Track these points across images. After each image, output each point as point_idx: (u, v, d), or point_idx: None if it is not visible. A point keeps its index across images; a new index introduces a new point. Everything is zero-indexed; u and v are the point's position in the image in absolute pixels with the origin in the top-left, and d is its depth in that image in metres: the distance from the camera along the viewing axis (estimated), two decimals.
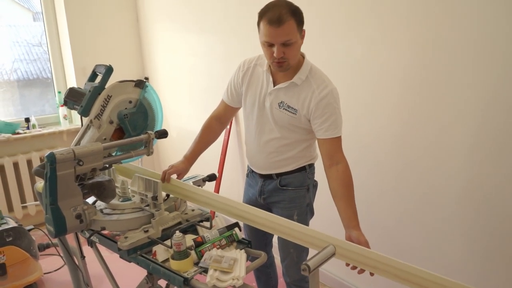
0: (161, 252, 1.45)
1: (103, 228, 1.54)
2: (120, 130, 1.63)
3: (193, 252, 1.41)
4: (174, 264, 1.36)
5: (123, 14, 4.04)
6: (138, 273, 1.61)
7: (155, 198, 1.57)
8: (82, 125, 1.62)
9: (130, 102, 1.63)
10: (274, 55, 1.56)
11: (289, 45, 1.55)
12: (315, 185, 1.90)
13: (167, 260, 1.42)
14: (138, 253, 1.47)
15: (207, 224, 1.62)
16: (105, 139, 1.58)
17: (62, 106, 3.79)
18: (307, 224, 1.86)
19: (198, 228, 1.62)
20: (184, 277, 1.30)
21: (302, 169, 1.81)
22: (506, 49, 1.63)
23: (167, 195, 1.74)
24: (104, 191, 1.56)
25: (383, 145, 2.16)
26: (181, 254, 1.36)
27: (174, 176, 1.76)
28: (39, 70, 4.02)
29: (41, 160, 3.54)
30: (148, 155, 1.72)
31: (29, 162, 3.54)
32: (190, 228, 1.62)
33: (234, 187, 3.35)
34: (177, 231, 1.37)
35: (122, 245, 1.45)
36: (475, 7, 1.69)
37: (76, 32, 3.75)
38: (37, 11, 4.02)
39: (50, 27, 3.82)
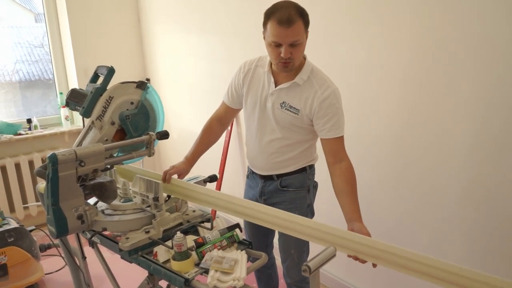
0: (162, 253, 1.46)
1: (105, 229, 1.55)
2: (122, 131, 1.64)
3: (194, 253, 1.41)
4: (175, 265, 1.36)
5: (124, 15, 4.05)
6: (139, 273, 1.62)
7: (156, 199, 1.57)
8: (84, 126, 1.63)
9: (132, 103, 1.63)
10: (282, 55, 1.56)
11: (296, 45, 1.56)
12: (315, 186, 1.90)
13: (168, 261, 1.42)
14: (139, 254, 1.47)
15: (208, 225, 1.63)
16: (106, 140, 1.58)
17: (63, 107, 3.80)
18: None
19: (199, 229, 1.62)
20: (185, 278, 1.30)
21: (302, 170, 1.82)
22: (506, 49, 1.63)
23: (168, 196, 1.75)
24: (105, 192, 1.56)
25: (384, 145, 2.17)
26: (182, 255, 1.36)
27: (175, 177, 1.76)
28: (41, 71, 4.03)
29: (43, 161, 3.55)
30: (150, 156, 1.73)
31: (30, 163, 3.55)
32: (191, 229, 1.63)
33: (235, 188, 3.35)
34: (178, 232, 1.38)
35: (123, 245, 1.45)
36: (475, 8, 1.69)
37: (78, 33, 3.76)
38: (39, 12, 4.03)
39: (52, 28, 3.83)
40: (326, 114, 1.64)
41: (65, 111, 3.81)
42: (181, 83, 3.80)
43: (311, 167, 1.86)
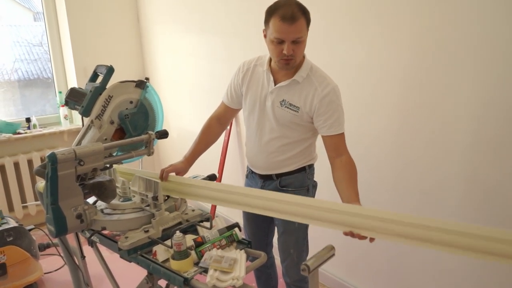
0: (161, 252, 1.46)
1: (104, 228, 1.54)
2: (121, 130, 1.64)
3: (193, 252, 1.41)
4: (174, 264, 1.36)
5: (124, 14, 4.05)
6: (138, 273, 1.61)
7: (155, 198, 1.57)
8: (83, 125, 1.63)
9: (131, 102, 1.63)
10: (284, 51, 1.57)
11: (298, 42, 1.57)
12: (314, 185, 1.90)
13: (167, 260, 1.42)
14: (138, 253, 1.47)
15: (207, 224, 1.62)
16: (106, 139, 1.58)
17: (63, 106, 3.80)
18: (306, 226, 1.86)
19: (198, 228, 1.62)
20: (184, 277, 1.30)
21: (302, 169, 1.82)
22: (506, 49, 1.63)
23: (167, 196, 1.75)
24: (104, 191, 1.56)
25: (384, 145, 2.17)
26: (181, 254, 1.36)
27: (172, 174, 1.76)
28: (40, 70, 4.02)
29: (42, 160, 3.55)
30: (149, 155, 1.73)
31: (29, 162, 3.55)
32: (190, 228, 1.62)
33: None
34: (178, 231, 1.38)
35: (123, 245, 1.45)
36: (475, 8, 1.69)
37: (77, 32, 3.76)
38: (38, 11, 4.03)
39: (51, 27, 3.83)
40: (327, 111, 1.64)
41: (64, 110, 3.80)
42: (181, 83, 3.80)
43: (311, 166, 1.86)
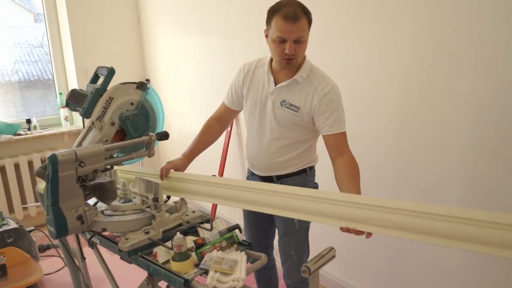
0: (161, 253, 1.46)
1: (104, 230, 1.54)
2: (122, 132, 1.64)
3: (193, 254, 1.41)
4: (174, 266, 1.36)
5: (124, 15, 4.06)
6: (139, 274, 1.61)
7: (156, 199, 1.57)
8: (83, 126, 1.63)
9: (132, 104, 1.63)
10: (286, 51, 1.58)
11: (300, 42, 1.58)
12: (315, 187, 1.90)
13: (167, 261, 1.42)
14: (138, 255, 1.47)
15: (207, 225, 1.62)
16: (106, 140, 1.59)
17: (63, 107, 3.80)
18: (307, 228, 1.86)
19: (199, 229, 1.62)
20: (184, 279, 1.30)
21: (302, 171, 1.82)
22: (506, 49, 1.63)
23: (168, 197, 1.75)
24: (105, 192, 1.56)
25: (383, 145, 2.17)
26: (182, 256, 1.36)
27: (172, 171, 1.77)
28: (40, 71, 4.03)
29: (42, 161, 3.55)
30: (149, 156, 1.73)
31: (30, 163, 3.55)
32: (190, 230, 1.63)
33: None
34: (178, 233, 1.38)
35: (123, 246, 1.45)
36: (475, 8, 1.70)
37: (78, 34, 3.76)
38: (38, 12, 4.04)
39: (52, 29, 3.83)
40: (327, 110, 1.64)
41: (64, 112, 3.81)
42: (181, 84, 3.80)
43: (311, 168, 1.86)
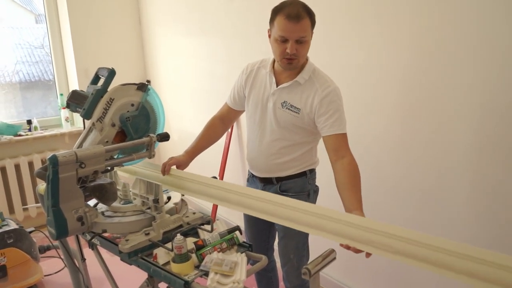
0: (162, 255, 1.46)
1: (104, 231, 1.55)
2: (122, 133, 1.64)
3: (194, 255, 1.41)
4: (174, 267, 1.36)
5: (125, 16, 4.06)
6: (139, 276, 1.61)
7: (156, 201, 1.57)
8: (84, 127, 1.63)
9: (132, 105, 1.63)
10: (287, 50, 1.58)
11: (302, 42, 1.58)
12: (316, 190, 1.89)
13: (168, 263, 1.42)
14: (139, 256, 1.47)
15: (208, 227, 1.62)
16: (107, 141, 1.58)
17: (64, 108, 3.80)
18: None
19: (199, 231, 1.62)
20: (184, 280, 1.30)
21: (302, 174, 1.81)
22: (506, 49, 1.63)
23: (168, 198, 1.75)
24: (105, 193, 1.56)
25: (383, 145, 2.17)
26: (182, 257, 1.36)
27: (174, 167, 1.76)
28: (41, 72, 4.03)
29: (43, 162, 3.55)
30: (150, 158, 1.72)
31: (30, 164, 3.55)
32: (191, 231, 1.63)
33: None
34: (178, 234, 1.38)
35: (123, 247, 1.45)
36: (475, 8, 1.70)
37: (79, 34, 3.77)
38: (39, 13, 4.04)
39: (53, 29, 3.84)
40: (327, 111, 1.63)
41: (65, 113, 3.81)
42: (182, 85, 3.81)
43: (312, 171, 1.85)
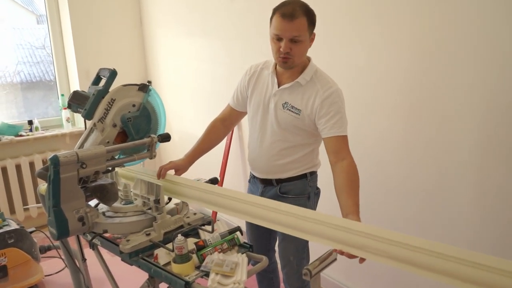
0: (162, 255, 1.46)
1: (105, 231, 1.55)
2: (123, 134, 1.64)
3: (194, 256, 1.41)
4: (175, 268, 1.36)
5: (126, 17, 4.06)
6: (140, 276, 1.61)
7: (157, 201, 1.58)
8: (85, 128, 1.63)
9: (134, 105, 1.64)
10: (281, 49, 1.58)
11: (297, 42, 1.57)
12: (316, 193, 1.88)
13: (168, 263, 1.42)
14: (139, 256, 1.47)
15: (209, 227, 1.62)
16: (108, 142, 1.59)
17: (65, 108, 3.80)
18: None
19: (200, 231, 1.62)
20: (185, 281, 1.30)
21: (303, 176, 1.80)
22: (506, 48, 1.63)
23: (169, 199, 1.75)
24: (106, 194, 1.56)
25: (385, 146, 2.16)
26: (183, 258, 1.36)
27: (171, 172, 1.76)
28: (42, 72, 4.03)
29: (44, 162, 3.55)
30: (151, 158, 1.73)
31: (31, 165, 3.55)
32: (192, 232, 1.62)
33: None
34: (179, 235, 1.38)
35: (124, 248, 1.45)
36: (475, 8, 1.70)
37: (80, 35, 3.77)
38: (41, 14, 4.05)
39: (54, 30, 3.84)
40: (328, 112, 1.62)
41: (66, 113, 3.81)
42: (183, 86, 3.81)
43: (313, 174, 1.84)
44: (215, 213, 3.42)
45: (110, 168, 1.64)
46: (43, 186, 1.83)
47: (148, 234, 1.52)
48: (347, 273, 2.53)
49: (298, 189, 1.81)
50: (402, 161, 2.11)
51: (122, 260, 1.52)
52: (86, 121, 1.61)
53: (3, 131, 3.47)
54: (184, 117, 3.87)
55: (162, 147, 4.14)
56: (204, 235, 1.58)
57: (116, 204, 1.65)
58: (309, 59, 1.71)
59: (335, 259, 1.26)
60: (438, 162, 1.95)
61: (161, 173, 1.71)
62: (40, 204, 1.99)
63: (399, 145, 2.11)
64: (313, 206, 1.87)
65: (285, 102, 1.70)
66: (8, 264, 2.50)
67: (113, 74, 1.61)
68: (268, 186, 1.84)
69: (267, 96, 1.76)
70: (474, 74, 1.75)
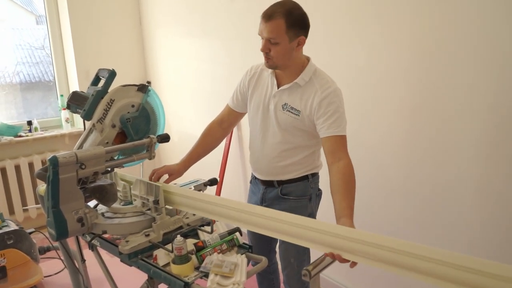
0: (162, 256, 1.45)
1: (104, 232, 1.54)
2: (123, 134, 1.64)
3: (194, 257, 1.41)
4: (175, 269, 1.36)
5: (126, 17, 4.06)
6: (139, 277, 1.61)
7: (156, 202, 1.57)
8: (84, 128, 1.63)
9: (133, 106, 1.63)
10: (260, 48, 1.61)
11: (273, 44, 1.58)
12: (318, 194, 1.87)
13: (168, 264, 1.42)
14: (139, 257, 1.47)
15: (208, 228, 1.62)
16: (107, 142, 1.58)
17: (64, 109, 3.80)
18: None
19: (199, 232, 1.62)
20: (184, 282, 1.30)
21: (304, 178, 1.79)
22: (507, 48, 1.63)
23: None
24: (105, 194, 1.56)
25: (386, 146, 2.16)
26: (182, 259, 1.36)
27: (165, 177, 1.75)
28: (42, 73, 4.03)
29: (43, 163, 3.54)
30: (150, 159, 1.72)
31: (30, 165, 3.55)
32: (191, 233, 1.62)
33: (235, 191, 3.35)
34: (178, 235, 1.38)
35: (123, 249, 1.45)
36: (475, 8, 1.70)
37: (79, 36, 3.77)
38: (40, 14, 4.04)
39: (53, 30, 3.84)
40: (326, 112, 1.60)
41: (65, 114, 3.81)
42: (182, 86, 3.81)
43: (314, 175, 1.83)
44: None
45: (109, 169, 1.63)
46: (42, 186, 1.82)
47: (147, 235, 1.51)
48: (347, 274, 2.53)
49: (300, 191, 1.80)
50: (402, 161, 2.11)
51: (121, 261, 1.51)
52: (85, 121, 1.61)
53: (2, 132, 3.46)
54: (183, 118, 3.86)
55: (161, 147, 4.14)
56: (204, 236, 1.57)
57: (115, 205, 1.65)
58: (308, 59, 1.71)
59: (334, 260, 1.26)
60: (439, 162, 1.94)
61: (153, 178, 1.71)
62: (39, 205, 1.98)
63: (399, 146, 2.11)
64: (315, 208, 1.86)
65: (285, 103, 1.70)
66: (7, 265, 2.50)
67: (112, 74, 1.60)
68: (270, 188, 1.84)
69: (267, 97, 1.75)
70: (475, 74, 1.74)
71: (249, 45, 2.90)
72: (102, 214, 1.61)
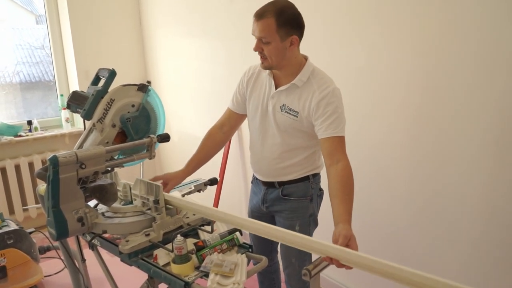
0: (162, 256, 1.45)
1: (105, 232, 1.54)
2: (123, 134, 1.64)
3: (194, 256, 1.41)
4: (175, 268, 1.36)
5: (126, 17, 4.06)
6: (139, 276, 1.61)
7: (156, 201, 1.57)
8: (84, 128, 1.63)
9: (133, 106, 1.63)
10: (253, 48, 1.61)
11: (265, 43, 1.58)
12: (319, 194, 1.86)
13: (168, 264, 1.42)
14: (139, 257, 1.47)
15: (208, 228, 1.62)
16: (107, 142, 1.58)
17: (64, 109, 3.80)
18: (309, 235, 1.84)
19: (199, 232, 1.62)
20: (185, 281, 1.30)
21: (305, 178, 1.78)
22: (509, 48, 1.63)
23: None
24: (106, 194, 1.56)
25: (387, 148, 2.16)
26: (182, 258, 1.36)
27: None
28: (42, 73, 4.03)
29: (43, 163, 3.55)
30: (150, 158, 1.72)
31: (30, 165, 3.55)
32: (191, 232, 1.62)
33: (235, 191, 3.35)
34: (179, 235, 1.38)
35: (123, 248, 1.45)
36: (475, 8, 1.70)
37: (79, 35, 3.77)
38: (40, 14, 4.04)
39: (53, 30, 3.84)
40: (324, 113, 1.59)
41: (65, 113, 3.81)
42: (182, 86, 3.81)
43: (315, 176, 1.82)
44: None
45: (109, 169, 1.63)
46: (42, 186, 1.82)
47: (147, 235, 1.51)
48: (347, 274, 2.52)
49: (301, 191, 1.79)
50: (403, 162, 2.10)
51: (122, 260, 1.51)
52: (85, 121, 1.61)
53: (3, 132, 3.46)
54: (183, 118, 3.86)
55: (161, 147, 4.14)
56: (204, 236, 1.57)
57: (116, 205, 1.65)
58: (306, 58, 1.69)
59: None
60: (440, 163, 1.94)
61: None
62: (39, 205, 1.98)
63: (400, 146, 2.10)
64: (316, 208, 1.86)
65: (283, 105, 1.69)
66: (8, 264, 2.50)
67: (112, 74, 1.60)
68: (271, 188, 1.83)
69: (265, 98, 1.74)
70: (476, 74, 1.74)
71: (249, 45, 2.87)
72: (102, 213, 1.61)
